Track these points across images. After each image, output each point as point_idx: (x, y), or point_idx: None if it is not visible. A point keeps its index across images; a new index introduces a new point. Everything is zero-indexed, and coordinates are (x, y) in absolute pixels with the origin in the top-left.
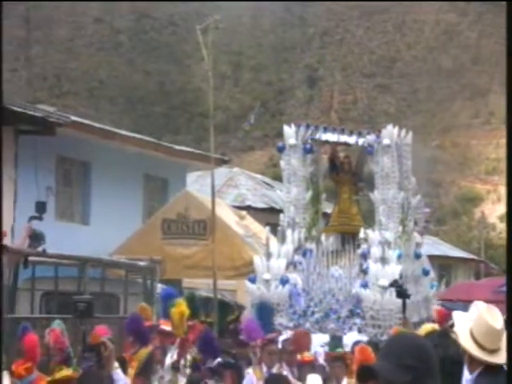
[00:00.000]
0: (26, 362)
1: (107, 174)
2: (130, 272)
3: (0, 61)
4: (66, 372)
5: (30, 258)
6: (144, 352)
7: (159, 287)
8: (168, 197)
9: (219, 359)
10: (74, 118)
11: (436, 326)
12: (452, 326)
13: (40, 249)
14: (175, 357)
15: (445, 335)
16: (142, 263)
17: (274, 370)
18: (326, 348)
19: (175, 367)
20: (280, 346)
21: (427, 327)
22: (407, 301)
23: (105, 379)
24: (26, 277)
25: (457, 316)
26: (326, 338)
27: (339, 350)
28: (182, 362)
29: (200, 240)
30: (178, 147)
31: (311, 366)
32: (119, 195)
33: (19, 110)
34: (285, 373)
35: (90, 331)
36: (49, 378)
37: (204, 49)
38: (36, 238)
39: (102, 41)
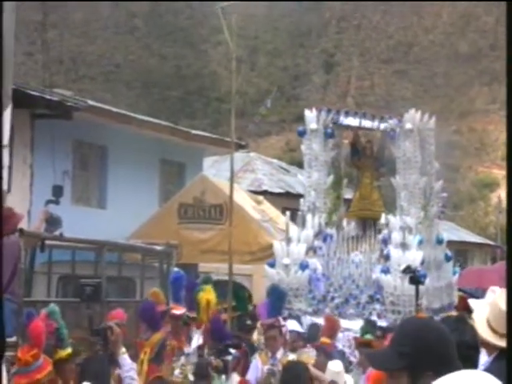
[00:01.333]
0: (32, 349)
1: (124, 159)
2: (147, 256)
3: (0, 59)
4: (61, 353)
5: (47, 242)
6: (156, 337)
7: (176, 271)
8: (184, 181)
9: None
10: (90, 102)
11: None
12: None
13: (57, 233)
14: (201, 342)
15: (462, 320)
16: (158, 247)
17: (279, 356)
18: (348, 334)
19: (200, 353)
20: (284, 332)
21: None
22: (429, 287)
23: (111, 364)
24: (42, 260)
25: (473, 303)
26: (345, 323)
27: (368, 336)
28: (207, 349)
29: (216, 224)
30: (194, 132)
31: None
32: (136, 179)
33: (36, 93)
34: (291, 357)
35: (100, 315)
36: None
37: (226, 32)
38: (53, 221)
39: (117, 25)
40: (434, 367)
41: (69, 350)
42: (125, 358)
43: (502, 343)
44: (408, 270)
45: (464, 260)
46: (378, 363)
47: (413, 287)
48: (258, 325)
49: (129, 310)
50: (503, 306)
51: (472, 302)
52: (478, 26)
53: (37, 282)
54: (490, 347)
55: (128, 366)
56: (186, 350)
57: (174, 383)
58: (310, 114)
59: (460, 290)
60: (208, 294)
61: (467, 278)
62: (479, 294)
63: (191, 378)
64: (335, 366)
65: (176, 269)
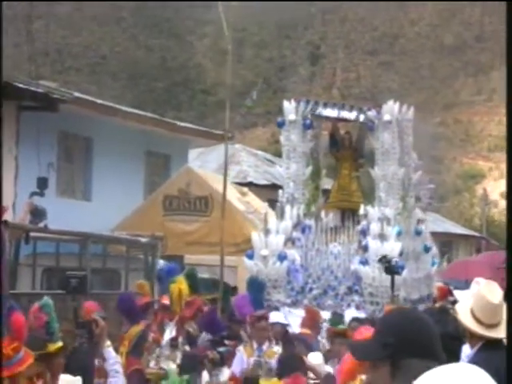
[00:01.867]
0: (13, 342)
1: (109, 150)
2: (132, 248)
3: (0, 58)
4: (50, 347)
5: (32, 234)
6: (134, 330)
7: (161, 263)
8: (170, 173)
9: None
10: (76, 94)
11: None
12: (453, 302)
13: (41, 224)
14: (174, 333)
15: (444, 312)
16: (143, 239)
17: (264, 348)
18: (326, 324)
19: (173, 344)
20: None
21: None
22: (407, 278)
23: (96, 357)
24: (27, 252)
25: (458, 294)
26: (323, 314)
27: (341, 326)
28: (180, 339)
29: (201, 216)
30: (180, 123)
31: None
32: (121, 171)
33: (21, 85)
34: (276, 349)
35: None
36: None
37: (225, 24)
38: (37, 213)
39: (104, 16)
40: (417, 357)
41: (59, 344)
42: (109, 351)
43: (490, 333)
44: (384, 259)
45: (449, 251)
46: (360, 354)
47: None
48: (248, 318)
49: (113, 303)
50: (489, 296)
51: (457, 293)
52: (463, 18)
53: (21, 274)
54: (473, 338)
55: (113, 359)
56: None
57: (148, 375)
58: (289, 105)
59: (445, 283)
60: (180, 284)
61: (454, 270)
62: (462, 285)
63: (167, 367)
64: (315, 357)
65: (162, 261)
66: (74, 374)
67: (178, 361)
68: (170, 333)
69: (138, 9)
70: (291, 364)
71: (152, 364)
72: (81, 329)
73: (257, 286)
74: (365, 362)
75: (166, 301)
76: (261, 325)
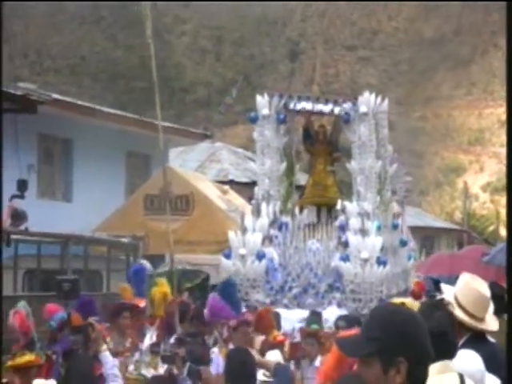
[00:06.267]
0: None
1: (89, 151)
2: (113, 249)
3: (0, 57)
4: (29, 357)
5: (13, 236)
6: None
7: (143, 263)
8: (151, 173)
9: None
10: (55, 95)
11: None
12: (434, 297)
13: (22, 227)
14: (154, 339)
15: (432, 307)
16: (124, 240)
17: None
18: (303, 324)
19: (154, 350)
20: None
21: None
22: (389, 273)
23: (92, 361)
24: (8, 255)
25: (446, 288)
26: (304, 313)
27: (314, 326)
28: (163, 345)
29: (182, 215)
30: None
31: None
32: (101, 172)
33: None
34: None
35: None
36: (10, 363)
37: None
38: (18, 216)
39: (83, 15)
40: (405, 352)
41: (35, 355)
42: (106, 355)
43: (481, 326)
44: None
45: (431, 245)
46: (348, 350)
47: (374, 274)
48: (232, 321)
49: (96, 303)
50: (481, 290)
51: (444, 287)
52: (442, 11)
53: (2, 277)
54: (460, 331)
55: (110, 362)
56: (141, 346)
57: (127, 379)
58: (262, 100)
59: (430, 278)
60: (162, 287)
61: (438, 264)
62: (443, 279)
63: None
64: (273, 355)
65: (143, 261)
66: (74, 381)
67: (160, 368)
68: (150, 338)
69: (117, 8)
70: (239, 358)
71: (131, 368)
72: (76, 334)
73: (231, 288)
74: (354, 357)
75: (141, 304)
76: (246, 329)
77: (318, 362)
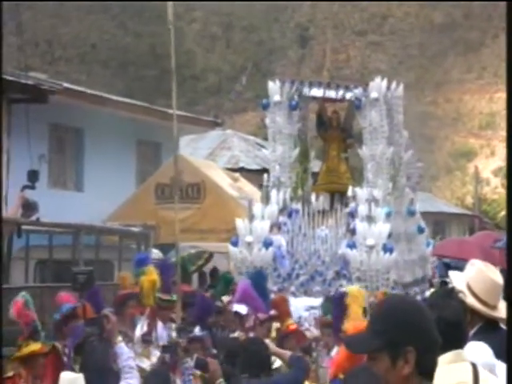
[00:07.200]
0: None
1: (100, 140)
2: (124, 238)
3: (0, 58)
4: (34, 347)
5: (24, 227)
6: None
7: (155, 252)
8: (161, 161)
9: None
10: (66, 84)
11: None
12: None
13: (34, 218)
14: (145, 328)
15: (445, 295)
16: (135, 229)
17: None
18: (314, 312)
19: (146, 340)
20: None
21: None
22: (399, 260)
23: (108, 353)
24: (19, 246)
25: (454, 275)
26: (311, 301)
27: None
28: (154, 334)
29: (194, 203)
30: (170, 111)
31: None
32: (112, 161)
33: (11, 78)
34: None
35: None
36: (16, 354)
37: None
38: (29, 206)
39: (91, 3)
40: (413, 342)
41: (40, 344)
42: (122, 346)
43: (494, 313)
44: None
45: (442, 231)
46: (355, 347)
47: (380, 262)
48: (260, 315)
49: (107, 294)
50: (494, 277)
51: (452, 274)
52: None
53: (14, 267)
54: (473, 319)
55: (126, 354)
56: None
57: None
58: (274, 86)
59: (442, 262)
60: (151, 275)
61: (446, 247)
62: (455, 264)
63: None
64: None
65: (155, 250)
66: (90, 373)
67: (152, 357)
68: (141, 328)
69: None
70: (254, 349)
71: None
72: (91, 326)
73: (261, 278)
74: (361, 354)
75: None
76: (270, 325)
77: (334, 351)
